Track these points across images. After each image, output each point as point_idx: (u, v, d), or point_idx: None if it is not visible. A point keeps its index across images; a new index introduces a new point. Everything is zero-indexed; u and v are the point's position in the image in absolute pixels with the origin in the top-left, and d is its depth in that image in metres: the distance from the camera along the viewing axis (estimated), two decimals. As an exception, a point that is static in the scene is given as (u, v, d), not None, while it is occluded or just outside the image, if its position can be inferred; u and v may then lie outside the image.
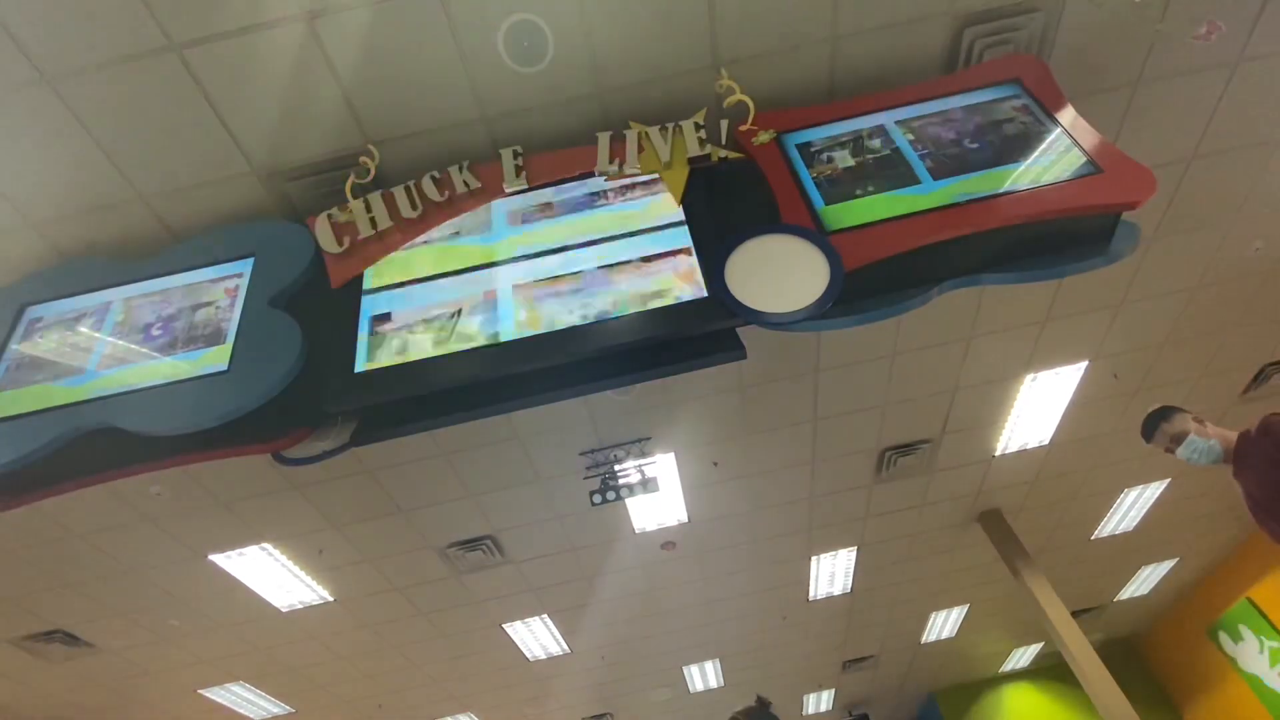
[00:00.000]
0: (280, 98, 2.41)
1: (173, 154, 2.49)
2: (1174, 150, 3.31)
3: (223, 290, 2.42)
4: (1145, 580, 7.54)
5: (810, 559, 5.81)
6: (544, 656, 6.40)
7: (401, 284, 2.34)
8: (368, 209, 2.44)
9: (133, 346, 2.32)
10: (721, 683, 7.77)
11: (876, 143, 2.41)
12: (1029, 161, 2.26)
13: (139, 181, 2.54)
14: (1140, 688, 7.99)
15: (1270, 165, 3.47)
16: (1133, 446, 5.15)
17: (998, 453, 4.99)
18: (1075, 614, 5.51)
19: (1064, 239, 2.18)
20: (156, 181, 2.56)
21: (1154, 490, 5.86)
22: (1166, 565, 7.31)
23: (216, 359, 2.23)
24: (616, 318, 2.11)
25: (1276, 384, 4.95)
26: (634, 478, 4.02)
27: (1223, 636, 7.58)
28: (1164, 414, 2.28)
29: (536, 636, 6.05)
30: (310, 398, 2.15)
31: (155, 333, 2.35)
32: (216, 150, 2.50)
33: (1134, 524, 6.27)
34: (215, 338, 2.29)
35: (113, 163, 2.47)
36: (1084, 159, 2.22)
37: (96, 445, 2.15)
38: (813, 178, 2.34)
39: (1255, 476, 2.12)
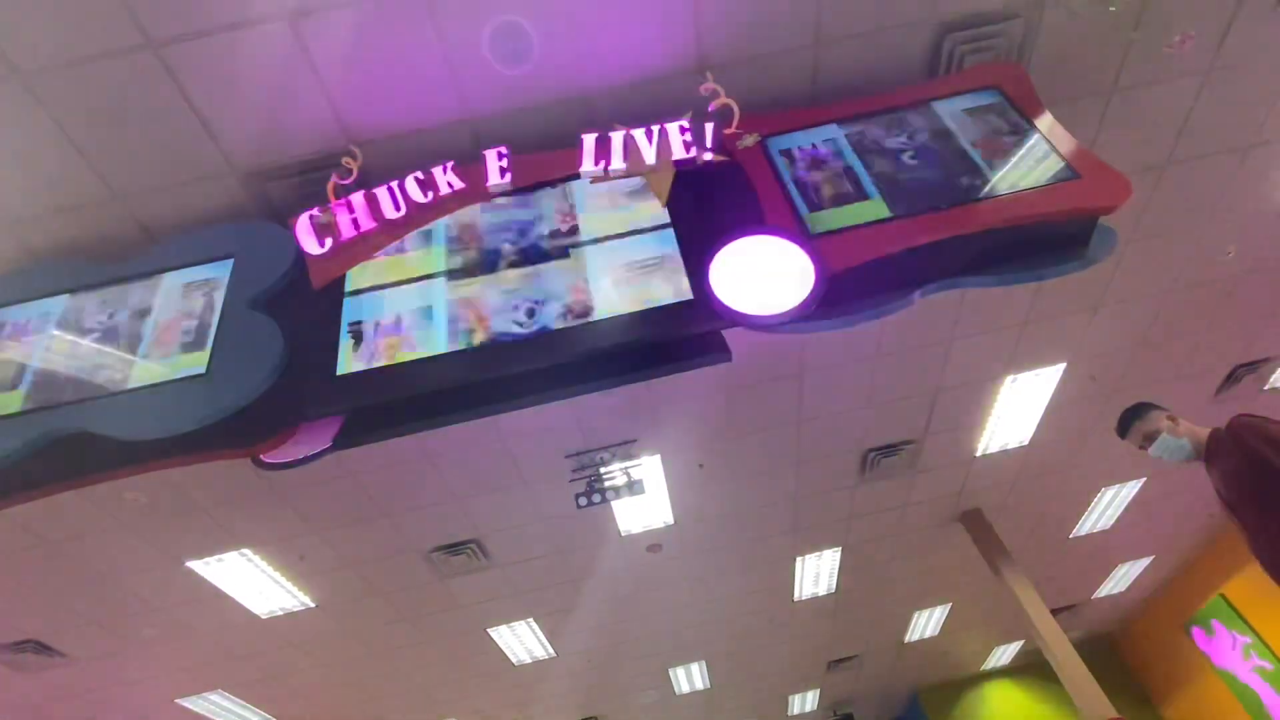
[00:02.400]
0: (261, 97, 2.38)
1: (149, 153, 2.44)
2: (1149, 156, 3.38)
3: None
4: (1122, 578, 7.68)
5: (795, 559, 5.84)
6: (529, 660, 6.36)
7: (384, 286, 2.32)
8: (350, 210, 2.42)
9: (107, 349, 2.27)
10: (707, 684, 7.78)
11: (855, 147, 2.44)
12: (1008, 166, 2.30)
13: (114, 181, 2.49)
14: (1118, 683, 8.13)
15: (1241, 172, 3.56)
16: (1109, 446, 5.25)
17: (979, 453, 5.06)
18: (1055, 611, 5.58)
19: (1042, 243, 2.21)
20: (132, 181, 2.51)
21: (1130, 489, 5.97)
22: (1142, 563, 7.45)
23: (194, 362, 2.19)
24: (602, 320, 2.11)
25: (1248, 385, 5.07)
26: (620, 480, 4.01)
27: (1197, 632, 7.74)
28: (1138, 411, 2.32)
29: (522, 640, 6.02)
30: (291, 401, 2.12)
31: (131, 335, 2.30)
32: (195, 150, 2.46)
33: (1111, 522, 6.39)
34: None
35: (87, 161, 2.42)
36: (1061, 164, 2.26)
37: (70, 450, 2.11)
38: (796, 180, 2.36)
39: (1222, 476, 2.16)
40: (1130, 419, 2.31)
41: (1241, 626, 7.08)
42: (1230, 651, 7.28)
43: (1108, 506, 6.16)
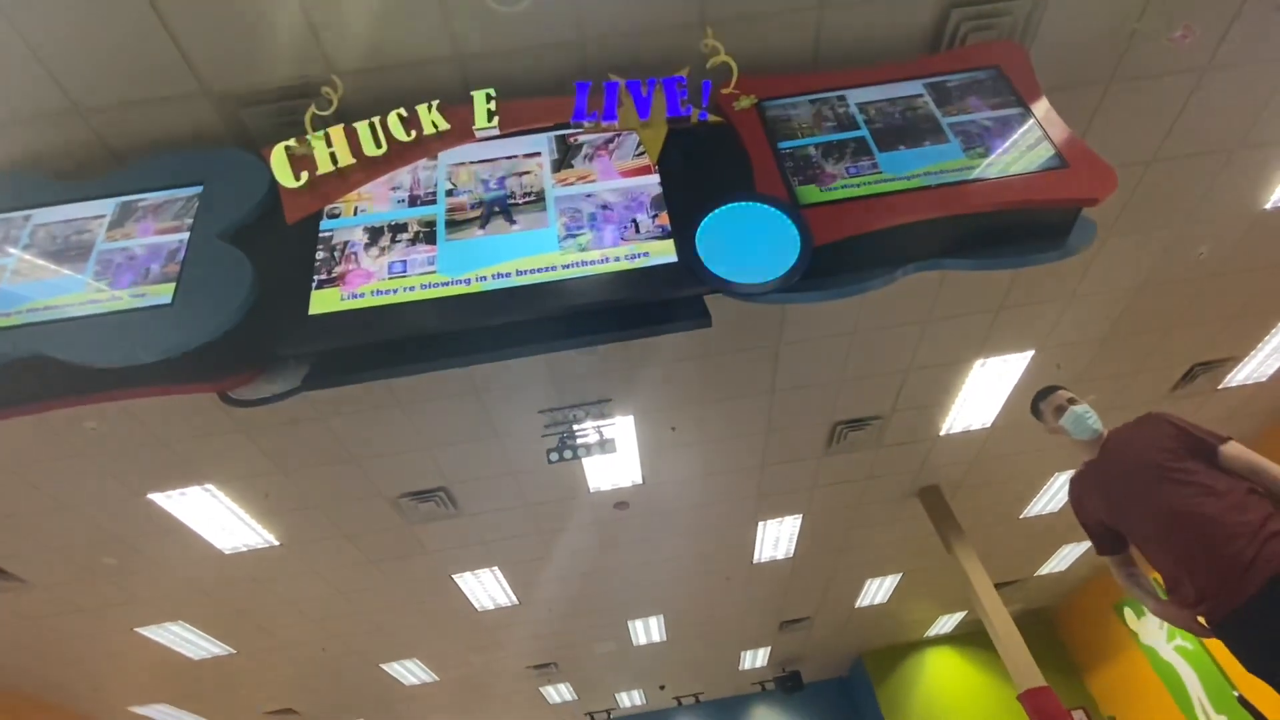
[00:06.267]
0: (237, 15, 2.25)
1: (115, 67, 2.30)
2: (1137, 151, 3.41)
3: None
4: (1064, 558, 8.06)
5: (757, 524, 6.00)
6: (492, 607, 6.49)
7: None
8: (328, 143, 2.32)
9: (67, 272, 2.18)
10: (664, 637, 8.05)
11: (850, 119, 2.41)
12: (1000, 150, 2.29)
13: (76, 93, 2.35)
14: (1050, 655, 8.59)
15: (1224, 174, 3.61)
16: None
17: (942, 432, 5.19)
18: (998, 586, 5.84)
19: (1025, 230, 2.23)
20: (96, 95, 2.37)
21: (1081, 475, 6.20)
22: (1085, 545, 7.81)
23: (160, 291, 2.12)
24: (584, 277, 2.09)
25: (1203, 383, 5.25)
26: (592, 438, 4.04)
27: (1127, 611, 8.20)
28: (1046, 391, 2.29)
29: (486, 588, 6.12)
30: (261, 338, 2.07)
31: (93, 259, 2.21)
32: (164, 67, 2.32)
33: (1060, 506, 6.66)
34: (159, 268, 2.17)
35: (47, 70, 2.27)
36: (1052, 152, 2.26)
37: (28, 375, 2.04)
38: (789, 149, 2.33)
39: (1128, 459, 2.03)
40: (1044, 394, 2.30)
41: (1169, 608, 7.51)
42: (1156, 630, 7.75)
43: (1059, 491, 6.40)
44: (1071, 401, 2.20)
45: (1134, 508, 2.01)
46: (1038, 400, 2.32)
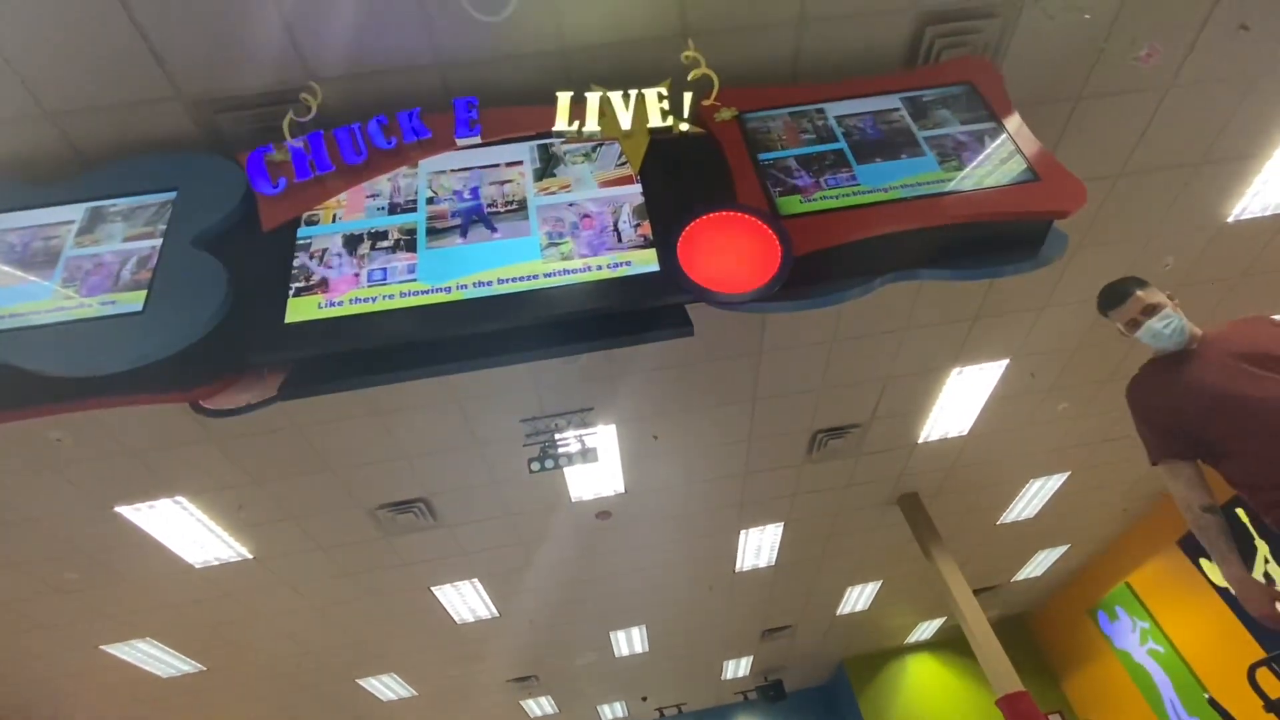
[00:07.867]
0: (212, 18, 2.22)
1: (85, 68, 2.26)
2: (1105, 165, 3.50)
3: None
4: (1040, 563, 8.18)
5: (739, 533, 6.00)
6: (472, 620, 6.40)
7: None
8: (306, 150, 2.30)
9: (34, 278, 2.12)
10: (646, 648, 8.00)
11: (829, 132, 2.45)
12: (974, 163, 2.34)
13: (43, 95, 2.30)
14: (1027, 660, 8.71)
15: (1188, 188, 3.73)
16: (1041, 440, 5.54)
17: (920, 440, 5.26)
18: (976, 592, 5.92)
19: (999, 241, 2.28)
20: (64, 97, 2.32)
21: (1055, 482, 6.33)
22: (1059, 550, 7.94)
23: (131, 299, 2.07)
24: (566, 285, 2.08)
25: (1170, 390, 5.38)
26: (574, 447, 4.02)
27: (1102, 616, 8.35)
28: (1139, 281, 1.98)
29: (466, 600, 6.04)
30: (235, 346, 2.03)
31: (62, 265, 2.15)
32: (136, 70, 2.28)
33: (1035, 512, 6.77)
34: (129, 275, 2.12)
35: (14, 70, 2.22)
36: (1024, 166, 2.32)
37: (-13, 383, 1.98)
38: (769, 160, 2.36)
39: (1230, 353, 1.86)
40: (1129, 287, 1.95)
41: (1142, 613, 7.66)
42: (1130, 635, 7.89)
43: (1034, 497, 6.51)
44: (1147, 313, 1.91)
45: (1247, 404, 1.76)
46: (1106, 307, 1.98)
